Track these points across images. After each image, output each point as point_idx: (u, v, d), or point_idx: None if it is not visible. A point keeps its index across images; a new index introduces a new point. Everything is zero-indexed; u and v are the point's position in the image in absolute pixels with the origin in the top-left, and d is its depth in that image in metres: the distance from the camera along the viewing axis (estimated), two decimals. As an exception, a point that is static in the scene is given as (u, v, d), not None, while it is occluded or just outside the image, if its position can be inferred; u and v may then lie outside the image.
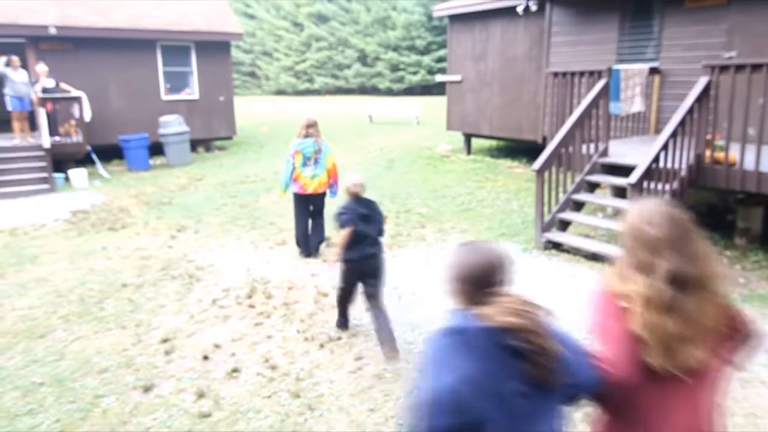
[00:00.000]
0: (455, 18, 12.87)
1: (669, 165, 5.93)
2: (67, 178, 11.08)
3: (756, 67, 5.56)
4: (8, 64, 10.87)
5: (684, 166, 6.10)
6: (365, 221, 4.29)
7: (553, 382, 1.59)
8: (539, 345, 1.57)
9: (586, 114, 6.89)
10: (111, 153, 12.91)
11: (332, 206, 5.15)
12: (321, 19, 40.99)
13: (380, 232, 4.45)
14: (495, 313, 1.59)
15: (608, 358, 1.70)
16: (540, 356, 1.56)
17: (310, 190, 6.50)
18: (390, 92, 38.22)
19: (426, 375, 1.63)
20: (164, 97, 14.06)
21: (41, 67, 11.54)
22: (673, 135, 5.88)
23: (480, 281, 1.67)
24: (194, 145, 14.21)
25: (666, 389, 1.65)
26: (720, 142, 6.07)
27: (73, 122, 11.58)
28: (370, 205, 4.41)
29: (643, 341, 1.62)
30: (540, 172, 6.69)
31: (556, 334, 1.67)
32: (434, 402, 1.56)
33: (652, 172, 5.78)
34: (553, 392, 1.62)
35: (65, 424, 3.55)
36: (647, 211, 1.74)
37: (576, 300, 5.22)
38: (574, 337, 1.77)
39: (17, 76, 10.88)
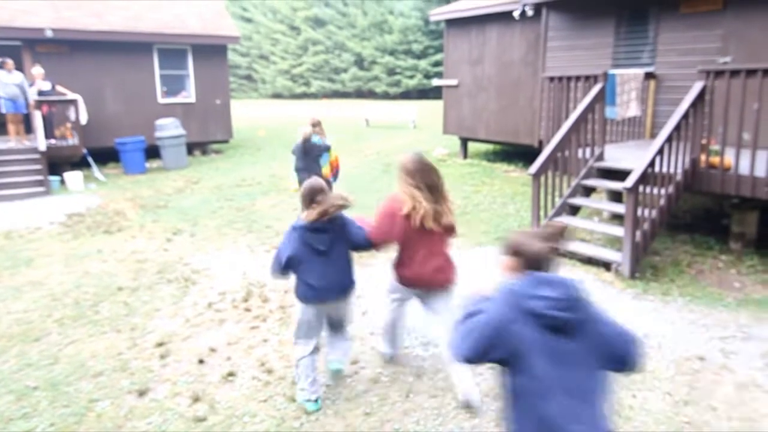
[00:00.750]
0: (452, 22, 12.91)
1: (665, 169, 5.95)
2: (62, 181, 11.05)
3: (751, 73, 5.60)
4: (1, 66, 10.83)
5: (679, 170, 6.13)
6: (305, 156, 6.99)
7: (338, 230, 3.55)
8: (326, 207, 3.42)
9: (582, 118, 6.91)
10: (107, 156, 12.89)
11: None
12: (318, 22, 41.07)
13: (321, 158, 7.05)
14: (307, 215, 3.47)
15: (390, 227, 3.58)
16: (328, 215, 3.44)
17: None
18: (386, 96, 38.29)
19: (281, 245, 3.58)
20: (161, 100, 14.04)
21: (37, 70, 11.51)
22: (669, 139, 5.91)
23: (307, 197, 3.49)
24: (191, 148, 14.19)
25: (430, 234, 3.57)
26: (715, 147, 6.10)
27: (69, 125, 11.56)
28: (312, 145, 6.97)
29: (418, 216, 3.48)
30: (536, 176, 6.71)
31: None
32: (277, 255, 3.57)
33: (647, 177, 5.80)
34: (341, 249, 3.59)
35: (59, 428, 3.53)
36: (409, 158, 3.59)
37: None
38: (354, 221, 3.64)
39: (9, 78, 10.84)
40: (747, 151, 5.72)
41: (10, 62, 10.89)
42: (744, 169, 5.83)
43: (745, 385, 3.87)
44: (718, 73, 5.91)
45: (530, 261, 2.04)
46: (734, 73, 5.74)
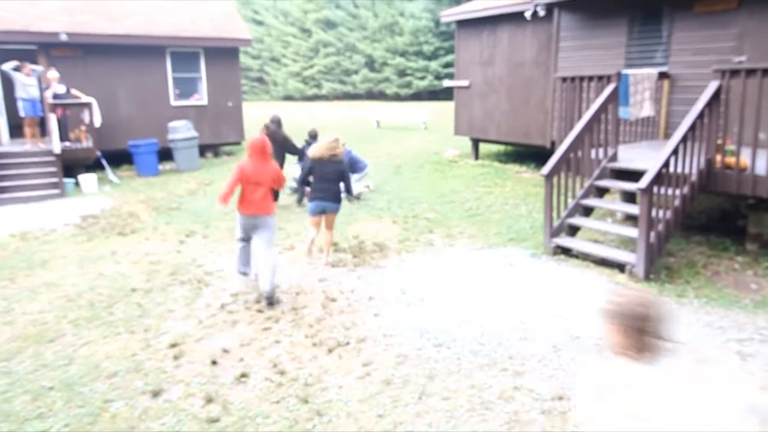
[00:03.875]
0: (463, 23, 12.89)
1: (679, 170, 5.89)
2: (77, 184, 11.16)
3: (767, 72, 5.52)
4: (18, 69, 10.97)
5: (695, 171, 6.06)
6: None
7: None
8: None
9: (595, 118, 6.86)
10: (120, 158, 13.00)
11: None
12: (329, 25, 41.18)
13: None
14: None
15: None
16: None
17: None
18: (397, 97, 38.29)
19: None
20: (173, 102, 14.15)
21: (52, 74, 11.64)
22: (684, 140, 5.84)
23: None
24: (203, 150, 14.28)
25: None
26: (731, 147, 6.02)
27: (83, 128, 11.67)
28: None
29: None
30: (549, 176, 6.67)
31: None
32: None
33: (662, 177, 5.74)
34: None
35: (74, 428, 3.56)
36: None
37: (585, 305, 5.19)
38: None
39: (28, 80, 11.00)
40: (763, 151, 5.65)
41: (28, 67, 11.04)
42: (760, 169, 5.75)
43: (763, 388, 3.81)
44: (734, 73, 5.84)
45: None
46: (750, 72, 5.67)
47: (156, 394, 3.92)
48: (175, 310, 5.33)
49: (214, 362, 4.34)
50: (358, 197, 8.87)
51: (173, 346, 4.61)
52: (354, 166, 9.75)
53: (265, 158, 5.67)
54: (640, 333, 1.84)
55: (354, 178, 9.31)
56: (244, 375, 4.14)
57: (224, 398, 3.86)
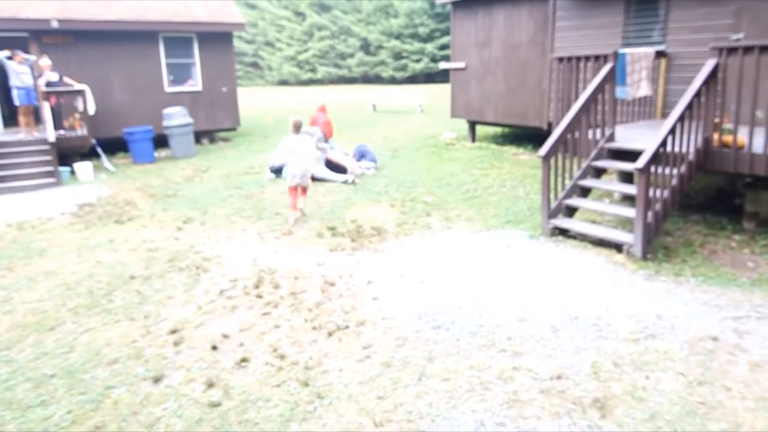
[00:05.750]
0: (458, 4, 12.76)
1: (677, 149, 5.88)
2: (72, 172, 11.11)
3: (764, 49, 5.48)
4: (10, 57, 10.87)
5: (692, 150, 6.05)
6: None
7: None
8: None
9: (592, 99, 6.83)
10: (116, 146, 12.94)
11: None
12: (323, 8, 40.79)
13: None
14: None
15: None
16: None
17: None
18: (393, 81, 38.08)
19: None
20: (167, 89, 14.04)
21: (45, 61, 11.52)
22: (681, 119, 5.82)
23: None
24: (198, 136, 14.21)
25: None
26: (728, 126, 6.01)
27: (77, 116, 11.59)
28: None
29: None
30: (546, 158, 6.65)
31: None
32: None
33: (659, 157, 5.73)
34: None
35: (77, 415, 3.58)
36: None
37: (583, 286, 5.21)
38: None
39: (21, 69, 10.91)
40: (761, 129, 5.64)
41: (20, 55, 10.94)
42: (758, 147, 5.74)
43: (759, 365, 3.84)
44: (731, 50, 5.80)
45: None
46: (747, 49, 5.63)
47: (157, 379, 3.94)
48: (174, 297, 5.34)
49: (214, 347, 4.36)
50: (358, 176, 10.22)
51: (173, 332, 4.63)
52: (364, 153, 11.13)
53: (322, 110, 10.86)
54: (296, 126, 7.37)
55: (363, 161, 10.87)
56: (244, 359, 4.16)
57: (225, 383, 3.88)
